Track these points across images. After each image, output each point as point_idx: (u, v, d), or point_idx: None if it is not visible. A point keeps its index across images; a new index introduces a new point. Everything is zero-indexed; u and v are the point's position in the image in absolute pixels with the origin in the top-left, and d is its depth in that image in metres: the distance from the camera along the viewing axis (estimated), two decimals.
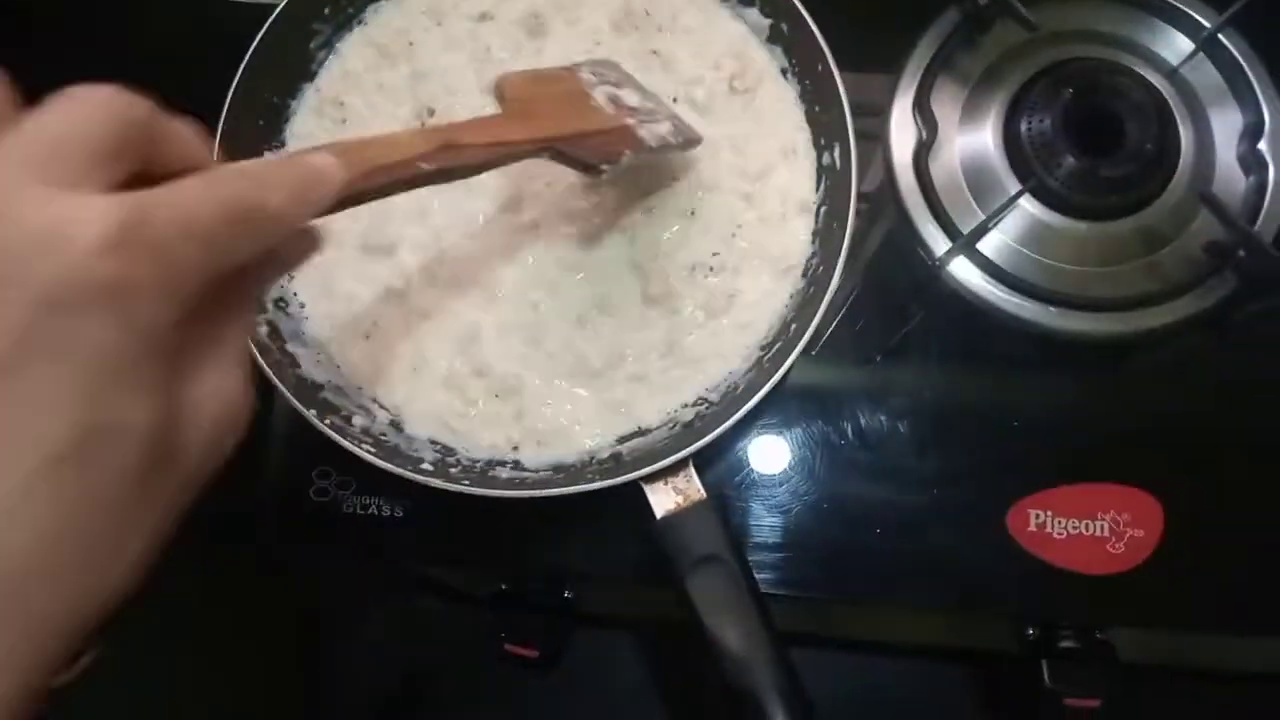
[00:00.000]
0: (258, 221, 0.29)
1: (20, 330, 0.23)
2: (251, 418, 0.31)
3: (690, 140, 0.55)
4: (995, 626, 0.59)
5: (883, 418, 0.58)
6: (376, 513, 0.57)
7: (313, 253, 0.35)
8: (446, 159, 0.40)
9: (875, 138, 0.62)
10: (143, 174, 0.27)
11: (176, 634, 0.71)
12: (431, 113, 0.58)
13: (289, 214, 0.31)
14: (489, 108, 0.46)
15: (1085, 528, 0.56)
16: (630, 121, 0.51)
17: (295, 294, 0.55)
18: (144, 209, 0.25)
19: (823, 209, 0.55)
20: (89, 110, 0.26)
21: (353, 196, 0.34)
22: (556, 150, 0.47)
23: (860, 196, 0.52)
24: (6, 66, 0.28)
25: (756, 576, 0.48)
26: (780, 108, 0.58)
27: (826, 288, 0.50)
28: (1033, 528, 0.56)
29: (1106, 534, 0.55)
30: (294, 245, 0.34)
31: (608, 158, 0.50)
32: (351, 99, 0.58)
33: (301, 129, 0.58)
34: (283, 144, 0.57)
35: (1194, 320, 0.58)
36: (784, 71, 0.58)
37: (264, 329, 0.52)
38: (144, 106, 0.28)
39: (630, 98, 0.53)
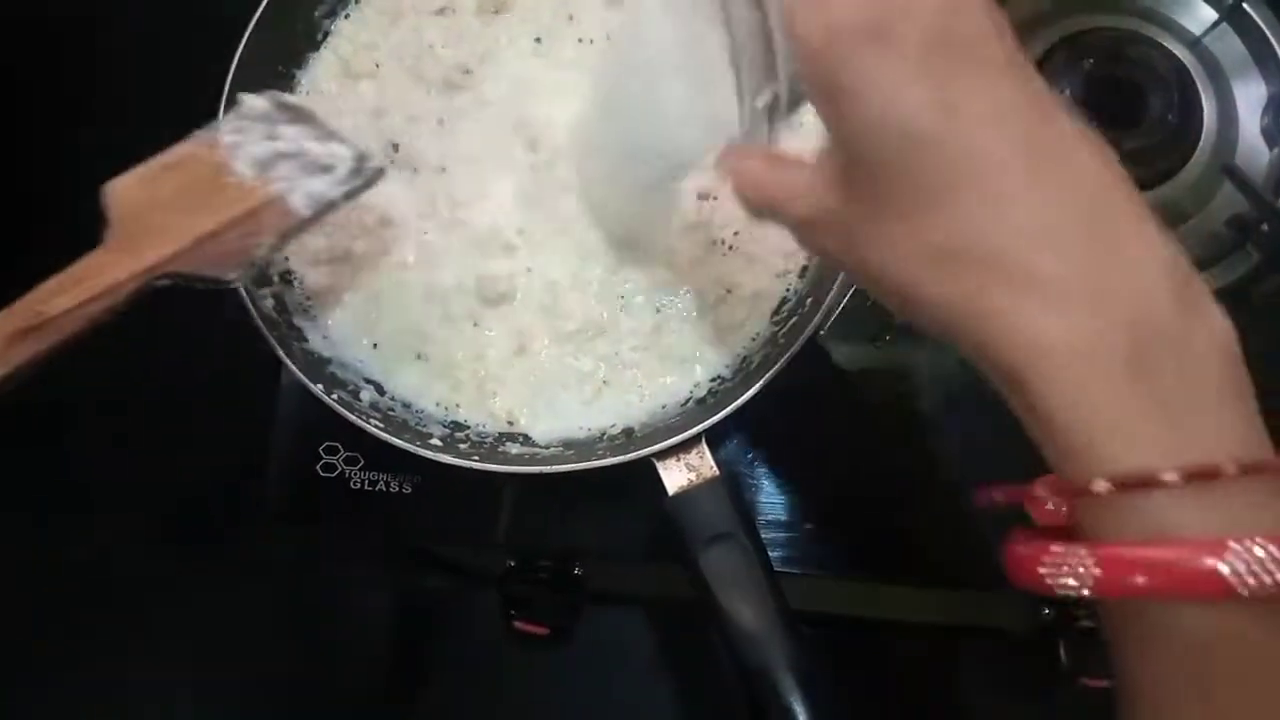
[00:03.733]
0: None
1: None
2: None
3: (370, 179, 0.47)
4: (1012, 606, 0.59)
5: (899, 394, 0.57)
6: (385, 489, 0.56)
7: None
8: (29, 347, 0.36)
9: None
10: None
11: (183, 611, 0.71)
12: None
13: None
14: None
15: None
16: (277, 188, 0.44)
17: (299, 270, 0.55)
18: None
19: None
20: None
21: None
22: (176, 272, 0.42)
23: None
24: None
25: (769, 555, 0.47)
26: None
27: None
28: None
29: None
30: None
31: (240, 256, 0.43)
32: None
33: None
34: None
35: (1216, 295, 0.57)
36: None
37: (270, 302, 0.51)
38: None
39: (289, 143, 0.46)
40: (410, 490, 0.56)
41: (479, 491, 0.57)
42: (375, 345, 0.53)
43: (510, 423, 0.52)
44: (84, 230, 0.41)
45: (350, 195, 0.47)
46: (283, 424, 0.57)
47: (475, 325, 0.53)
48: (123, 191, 0.42)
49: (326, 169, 0.46)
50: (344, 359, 0.53)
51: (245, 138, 0.45)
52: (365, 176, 0.47)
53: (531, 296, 0.53)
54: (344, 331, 0.54)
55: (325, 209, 0.46)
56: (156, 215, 0.42)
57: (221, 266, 0.44)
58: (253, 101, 0.47)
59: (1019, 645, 0.62)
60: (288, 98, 0.49)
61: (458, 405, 0.53)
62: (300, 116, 0.47)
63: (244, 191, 0.43)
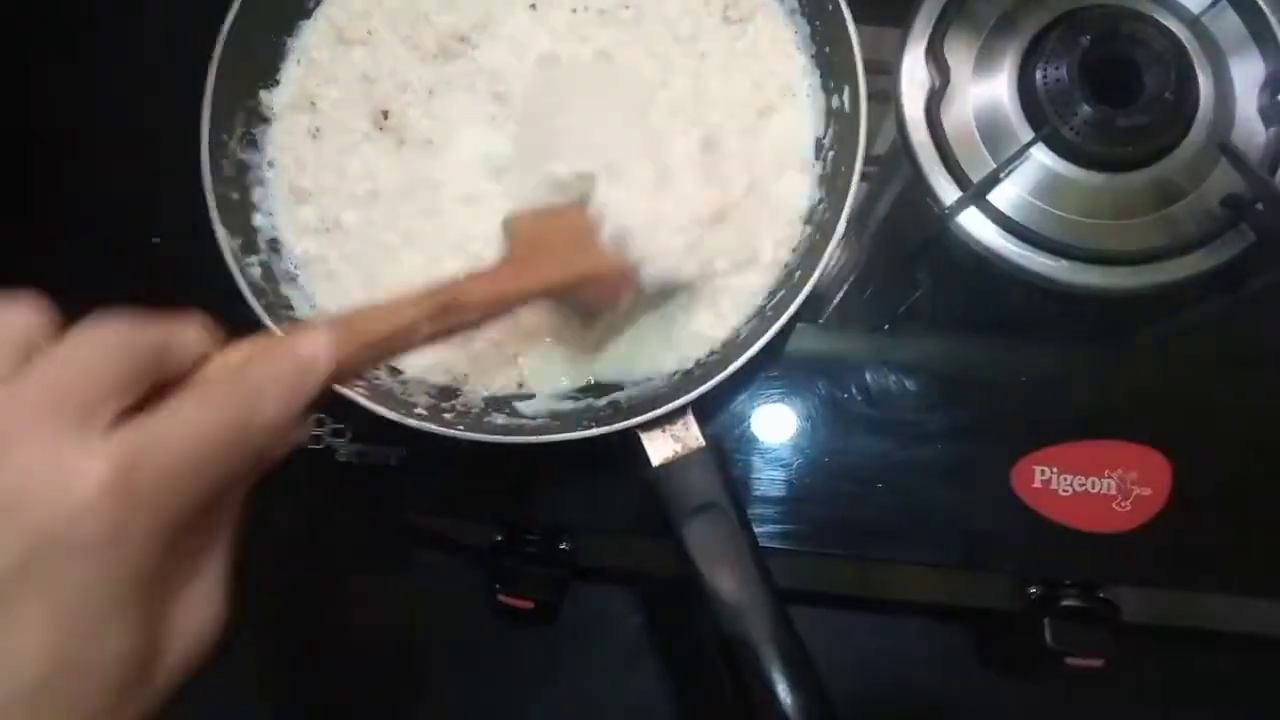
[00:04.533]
0: (249, 439, 0.29)
1: (14, 567, 0.24)
2: (228, 631, 0.31)
3: (689, 280, 0.52)
4: (997, 584, 0.59)
5: (888, 372, 0.57)
6: (371, 461, 0.56)
7: (297, 444, 0.33)
8: (445, 322, 0.40)
9: (886, 98, 0.61)
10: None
11: None
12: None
13: (279, 422, 0.31)
14: None
15: (1091, 485, 0.55)
16: (632, 266, 0.48)
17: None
18: (138, 454, 0.26)
19: (830, 154, 0.53)
20: (102, 351, 0.27)
21: (348, 376, 0.35)
22: (556, 295, 0.47)
23: (869, 159, 0.51)
24: None
25: (755, 531, 0.47)
26: (779, 46, 0.56)
27: (832, 233, 0.49)
28: (1037, 484, 0.55)
29: (1113, 492, 0.54)
30: (280, 441, 0.32)
31: (606, 301, 0.49)
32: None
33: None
34: (278, 82, 0.56)
35: (1208, 276, 0.57)
36: (792, 11, 0.56)
37: (257, 270, 0.51)
38: (153, 335, 0.29)
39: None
40: (397, 463, 0.56)
41: (466, 465, 0.57)
42: None
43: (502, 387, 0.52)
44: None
45: (683, 284, 0.51)
46: None
47: None
48: (525, 220, 0.47)
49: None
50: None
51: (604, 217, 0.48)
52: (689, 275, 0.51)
53: None
54: (332, 300, 0.54)
55: (664, 291, 0.51)
56: (549, 246, 0.46)
57: (593, 305, 0.50)
58: None
59: (1003, 624, 0.62)
60: None
61: (465, 375, 0.53)
62: None
63: (608, 258, 0.47)
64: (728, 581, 0.44)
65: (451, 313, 0.40)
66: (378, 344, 0.37)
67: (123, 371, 0.28)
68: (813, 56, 0.56)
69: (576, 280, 0.47)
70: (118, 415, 0.27)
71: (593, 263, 0.47)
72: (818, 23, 0.55)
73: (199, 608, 0.30)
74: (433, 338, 0.40)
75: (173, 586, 0.29)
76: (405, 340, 0.38)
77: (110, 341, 0.28)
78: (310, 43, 0.57)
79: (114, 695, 0.26)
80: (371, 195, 0.54)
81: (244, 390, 0.30)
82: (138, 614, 0.27)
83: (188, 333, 0.31)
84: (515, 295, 0.44)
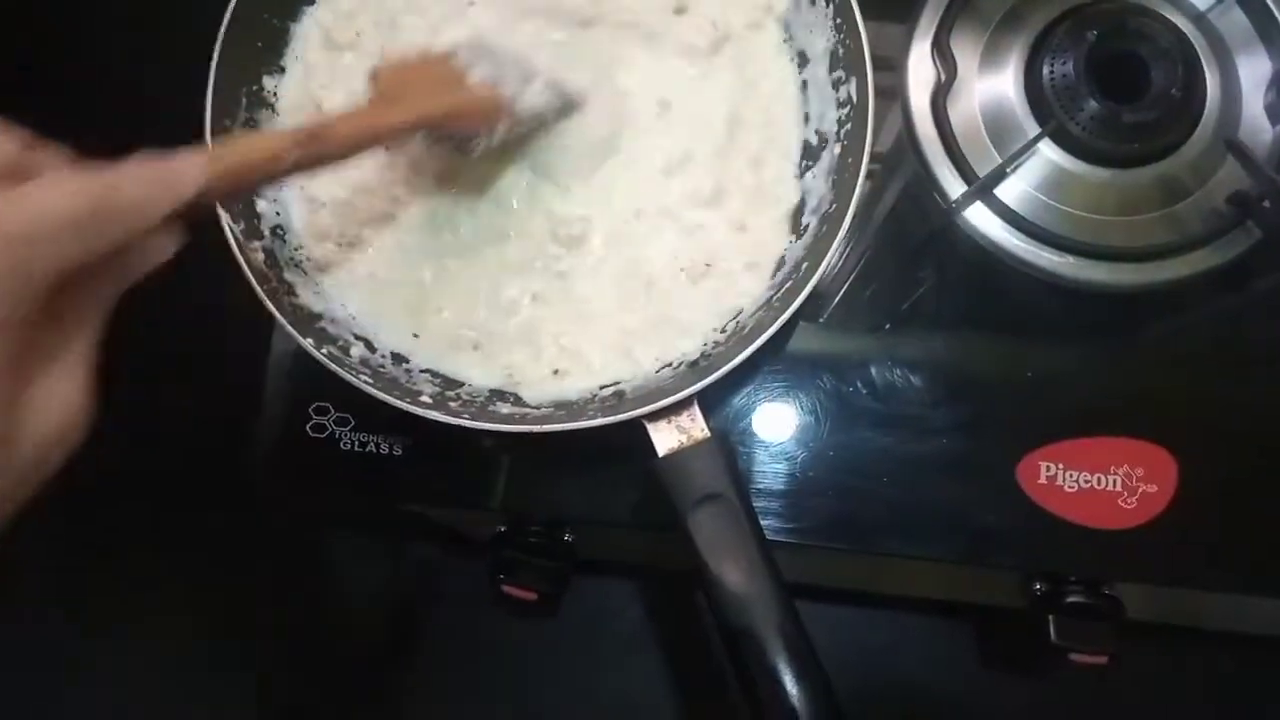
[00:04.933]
0: (108, 215, 0.30)
1: None
2: (89, 431, 0.32)
3: (570, 103, 0.54)
4: (1002, 580, 0.58)
5: (893, 367, 0.57)
6: (375, 450, 0.56)
7: (165, 256, 0.35)
8: (314, 148, 0.41)
9: (892, 95, 0.61)
10: None
11: (168, 573, 0.70)
12: None
13: (141, 209, 0.32)
14: None
15: (1097, 481, 0.54)
16: (504, 91, 0.51)
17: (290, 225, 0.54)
18: None
19: (837, 146, 0.53)
20: None
21: (220, 193, 0.36)
22: (429, 129, 0.49)
23: (874, 157, 0.50)
24: None
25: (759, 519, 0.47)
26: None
27: (840, 226, 0.48)
28: (1043, 480, 0.55)
29: (1118, 488, 0.54)
30: (147, 247, 0.34)
31: (478, 129, 0.51)
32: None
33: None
34: (282, 70, 0.56)
35: (1214, 273, 0.57)
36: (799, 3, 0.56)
37: (260, 255, 0.51)
38: (13, 140, 0.31)
39: (505, 82, 0.51)
40: (401, 452, 0.56)
41: (470, 455, 0.56)
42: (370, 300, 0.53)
43: (509, 376, 0.52)
44: None
45: (563, 112, 0.54)
46: (273, 383, 0.57)
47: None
48: (389, 69, 0.49)
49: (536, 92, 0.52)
50: (335, 314, 0.52)
51: (472, 64, 0.51)
52: (564, 99, 0.54)
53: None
54: (336, 286, 0.53)
55: (538, 117, 0.53)
56: (415, 87, 0.48)
57: (468, 131, 0.51)
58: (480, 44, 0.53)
59: (1007, 621, 0.62)
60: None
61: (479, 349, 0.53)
62: (512, 61, 0.53)
63: (478, 89, 0.50)
64: (733, 572, 0.44)
65: (319, 140, 0.42)
66: (248, 166, 0.38)
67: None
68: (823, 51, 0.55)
69: (445, 111, 0.49)
70: None
71: (460, 97, 0.49)
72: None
73: (56, 399, 0.31)
74: (302, 165, 0.41)
75: (28, 372, 0.30)
76: (275, 165, 0.40)
77: None
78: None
79: None
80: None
81: (105, 177, 0.31)
82: None
83: (51, 154, 0.32)
84: (383, 127, 0.46)
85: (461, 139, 0.51)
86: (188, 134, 0.50)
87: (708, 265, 0.54)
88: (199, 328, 0.68)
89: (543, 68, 0.53)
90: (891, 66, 0.61)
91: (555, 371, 0.53)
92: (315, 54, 0.56)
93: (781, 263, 0.53)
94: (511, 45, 0.54)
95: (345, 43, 0.57)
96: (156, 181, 0.33)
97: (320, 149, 0.42)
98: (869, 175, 0.49)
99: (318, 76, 0.56)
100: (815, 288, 0.48)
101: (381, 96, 0.47)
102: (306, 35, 0.57)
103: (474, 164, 0.54)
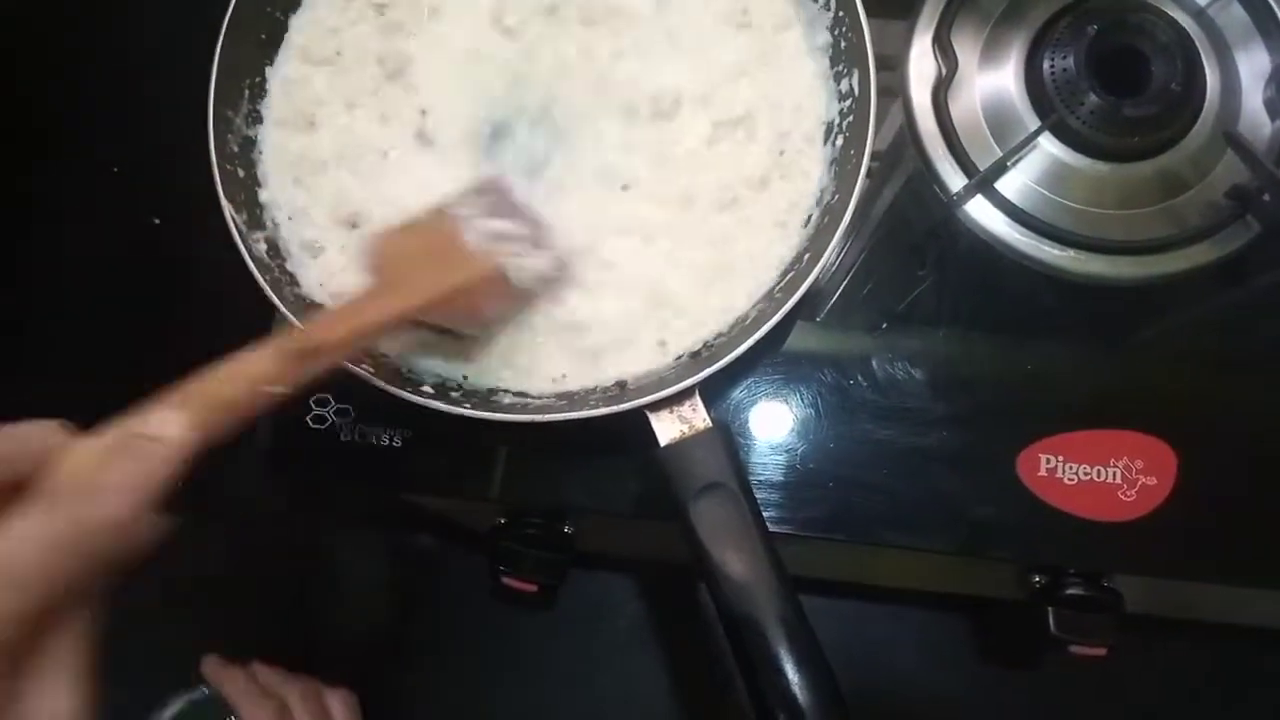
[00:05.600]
0: (90, 541, 0.29)
1: None
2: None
3: (563, 272, 0.51)
4: (1001, 572, 0.59)
5: (893, 360, 0.57)
6: (375, 442, 0.56)
7: (157, 537, 0.32)
8: (305, 366, 0.39)
9: (893, 94, 0.61)
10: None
11: (166, 563, 0.70)
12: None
13: (125, 524, 0.30)
14: None
15: (1097, 474, 0.54)
16: (503, 260, 0.47)
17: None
18: None
19: (839, 138, 0.53)
20: None
21: (209, 442, 0.33)
22: (423, 316, 0.46)
23: (874, 153, 0.50)
24: None
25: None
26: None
27: (842, 216, 0.48)
28: (1043, 472, 0.55)
29: (1118, 481, 0.54)
30: (136, 534, 0.32)
31: (472, 318, 0.49)
32: None
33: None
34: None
35: (1213, 267, 0.57)
36: None
37: (263, 246, 0.51)
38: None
39: (509, 224, 0.49)
40: (401, 444, 0.56)
41: (470, 446, 0.56)
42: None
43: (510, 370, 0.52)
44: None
45: (555, 281, 0.51)
46: None
47: None
48: (387, 241, 0.46)
49: (537, 252, 0.49)
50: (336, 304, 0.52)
51: (472, 211, 0.48)
52: (562, 267, 0.51)
53: None
54: (336, 278, 0.53)
55: (534, 289, 0.50)
56: (409, 267, 0.45)
57: (461, 322, 0.49)
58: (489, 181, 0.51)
59: (1007, 614, 0.62)
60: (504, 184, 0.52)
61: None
62: (514, 206, 0.51)
63: (477, 263, 0.46)
64: (735, 561, 0.44)
65: (310, 357, 0.39)
66: (231, 407, 0.35)
67: None
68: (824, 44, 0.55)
69: (444, 297, 0.45)
70: None
71: (461, 275, 0.46)
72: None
73: (55, 698, 0.30)
74: (296, 382, 0.38)
75: (26, 677, 0.29)
76: (263, 393, 0.37)
77: None
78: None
79: None
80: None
81: (82, 497, 0.30)
82: None
83: (34, 431, 0.31)
84: (379, 325, 0.43)
85: (456, 324, 0.49)
86: (190, 127, 0.50)
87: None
88: (198, 318, 0.68)
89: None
90: (892, 66, 0.61)
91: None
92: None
93: (784, 254, 0.53)
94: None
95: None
96: (135, 482, 0.31)
97: (312, 362, 0.39)
98: (869, 172, 0.49)
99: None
100: (816, 282, 0.48)
101: (381, 277, 0.44)
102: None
103: None
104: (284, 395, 0.38)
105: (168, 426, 0.32)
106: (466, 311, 0.48)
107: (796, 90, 0.55)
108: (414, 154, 0.54)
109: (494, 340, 0.52)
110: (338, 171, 0.54)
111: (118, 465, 0.31)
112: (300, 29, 0.56)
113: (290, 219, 0.53)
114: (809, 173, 0.54)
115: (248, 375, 0.37)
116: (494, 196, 0.50)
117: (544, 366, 0.52)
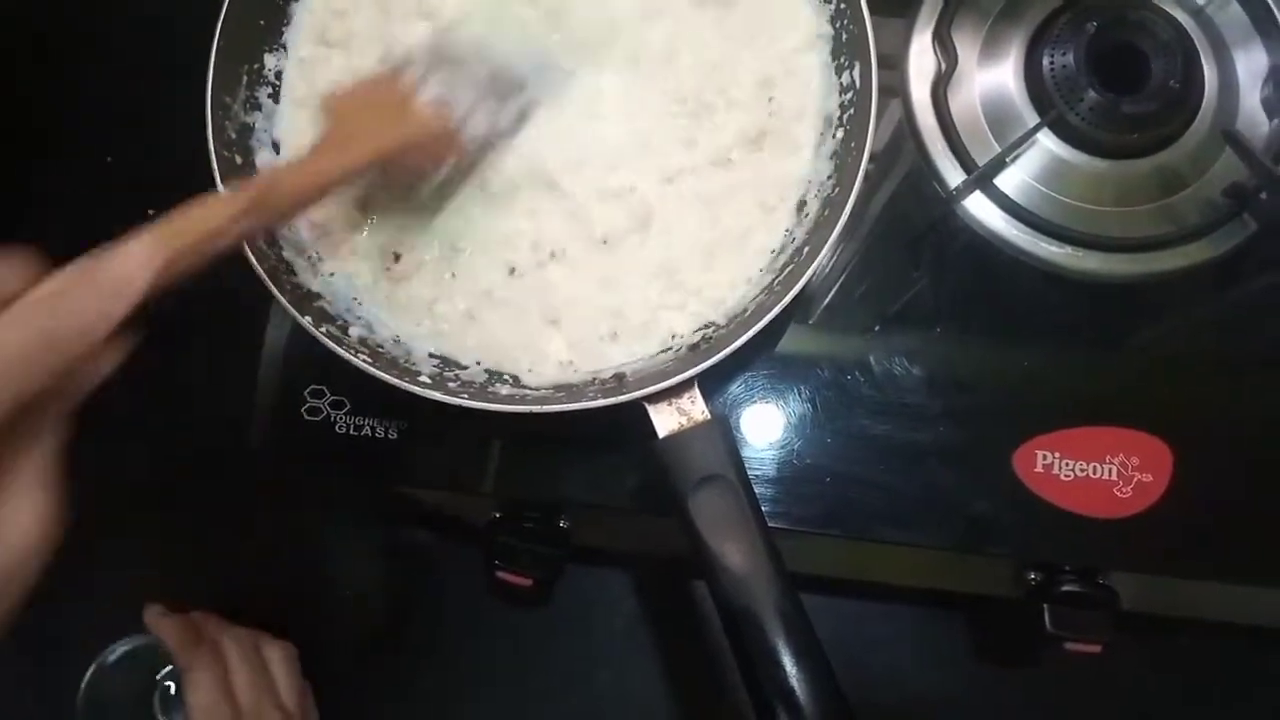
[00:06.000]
0: (52, 345, 0.31)
1: None
2: (60, 542, 0.32)
3: (523, 116, 0.54)
4: (997, 570, 0.58)
5: (891, 356, 0.57)
6: (371, 434, 0.55)
7: (117, 361, 0.34)
8: (263, 213, 0.41)
9: (893, 93, 0.61)
10: None
11: (160, 555, 0.70)
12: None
13: (89, 329, 0.32)
14: None
15: (1093, 471, 0.54)
16: (454, 120, 0.49)
17: None
18: None
19: (839, 131, 0.53)
20: None
21: (164, 285, 0.35)
22: (375, 168, 0.48)
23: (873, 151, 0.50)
24: None
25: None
26: (791, 15, 0.56)
27: (842, 210, 0.48)
28: (1039, 469, 0.55)
29: (1114, 478, 0.54)
30: (101, 358, 0.34)
31: (426, 166, 0.51)
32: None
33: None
34: (284, 47, 0.56)
35: (1210, 264, 0.57)
36: None
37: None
38: None
39: (460, 93, 0.50)
40: (397, 436, 0.56)
41: (467, 439, 0.56)
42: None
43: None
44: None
45: (514, 130, 0.53)
46: (269, 363, 0.57)
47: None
48: (343, 98, 0.48)
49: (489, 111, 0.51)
50: (334, 294, 0.52)
51: (425, 75, 0.49)
52: (522, 111, 0.53)
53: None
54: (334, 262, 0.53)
55: (488, 143, 0.52)
56: (367, 120, 0.47)
57: (412, 175, 0.51)
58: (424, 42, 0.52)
59: (1003, 610, 0.62)
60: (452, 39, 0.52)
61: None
62: (466, 72, 0.51)
63: (429, 121, 0.48)
64: (734, 553, 0.44)
65: (268, 203, 0.41)
66: (193, 247, 0.37)
67: None
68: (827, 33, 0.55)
69: (395, 150, 0.47)
70: None
71: (412, 129, 0.48)
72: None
73: (21, 513, 0.31)
74: (253, 230, 0.41)
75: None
76: (221, 238, 0.38)
77: None
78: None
79: None
80: None
81: (54, 303, 0.31)
82: None
83: (8, 264, 0.32)
84: (335, 175, 0.45)
85: (409, 175, 0.51)
86: (189, 115, 0.50)
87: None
88: (193, 310, 0.67)
89: (529, 75, 0.53)
90: (892, 65, 0.61)
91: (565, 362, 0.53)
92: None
93: (783, 246, 0.53)
94: (498, 47, 0.52)
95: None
96: (101, 294, 0.32)
97: (269, 210, 0.41)
98: (868, 165, 0.49)
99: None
100: (815, 278, 0.48)
101: (334, 132, 0.46)
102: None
103: None
104: (242, 239, 0.41)
105: (132, 258, 0.34)
106: (416, 166, 0.50)
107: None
108: None
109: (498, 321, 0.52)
110: None
111: (85, 286, 0.33)
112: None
113: None
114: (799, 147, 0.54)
115: (206, 218, 0.38)
116: (440, 59, 0.50)
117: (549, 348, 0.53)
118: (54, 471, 0.33)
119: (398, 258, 0.53)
